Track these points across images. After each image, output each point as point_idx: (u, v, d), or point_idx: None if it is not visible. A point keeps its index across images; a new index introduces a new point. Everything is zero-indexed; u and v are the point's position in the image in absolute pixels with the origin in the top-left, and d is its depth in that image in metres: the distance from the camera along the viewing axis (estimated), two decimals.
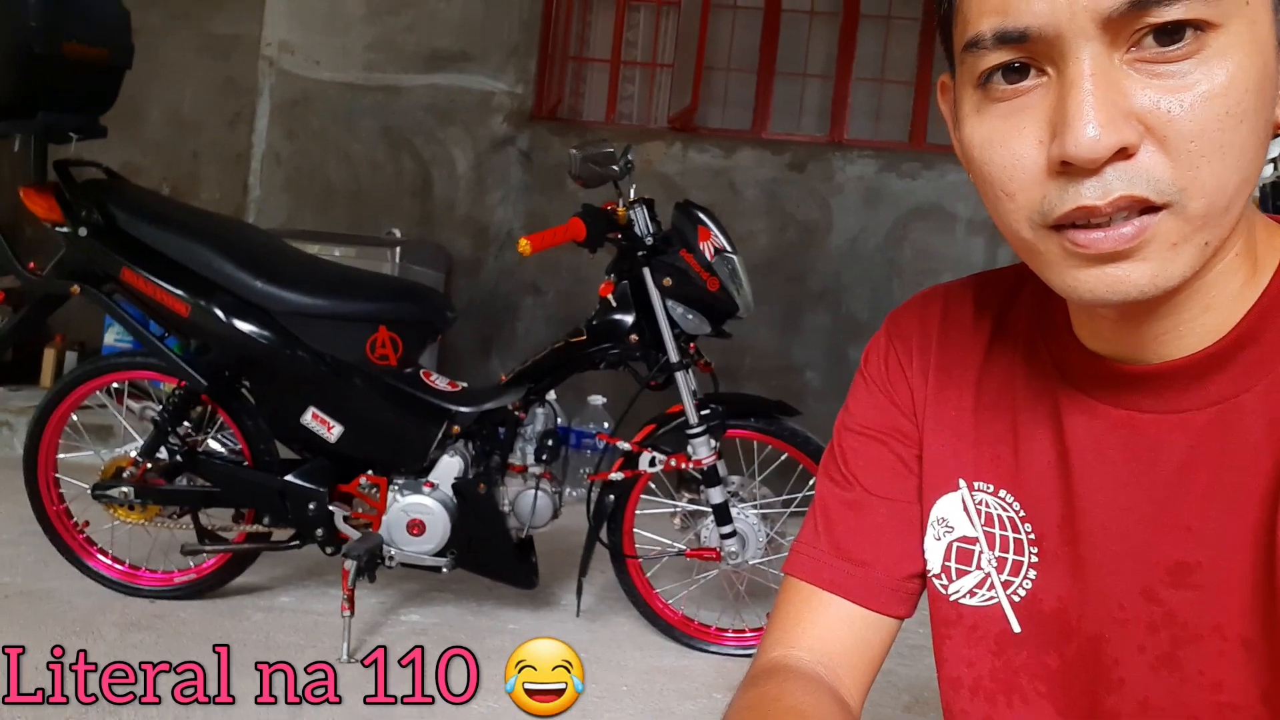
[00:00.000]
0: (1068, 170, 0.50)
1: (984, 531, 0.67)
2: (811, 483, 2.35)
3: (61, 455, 2.40)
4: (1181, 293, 0.54)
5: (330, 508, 2.28)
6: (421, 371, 2.38)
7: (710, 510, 2.29)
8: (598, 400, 2.71)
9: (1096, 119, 0.48)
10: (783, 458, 2.37)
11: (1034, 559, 0.65)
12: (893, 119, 4.50)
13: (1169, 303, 0.55)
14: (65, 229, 2.21)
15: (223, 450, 2.42)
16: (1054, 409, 0.64)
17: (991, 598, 0.67)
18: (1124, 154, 0.48)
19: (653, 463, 2.30)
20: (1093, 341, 0.62)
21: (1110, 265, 0.51)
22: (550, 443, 2.34)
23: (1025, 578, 0.65)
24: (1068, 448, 0.63)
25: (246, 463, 2.34)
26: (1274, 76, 0.51)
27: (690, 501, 2.40)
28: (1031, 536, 0.65)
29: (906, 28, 4.49)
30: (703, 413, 2.26)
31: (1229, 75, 0.48)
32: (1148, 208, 0.49)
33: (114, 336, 4.42)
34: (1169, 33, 0.48)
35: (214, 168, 4.66)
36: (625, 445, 2.31)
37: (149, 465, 2.30)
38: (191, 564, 2.40)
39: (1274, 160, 4.02)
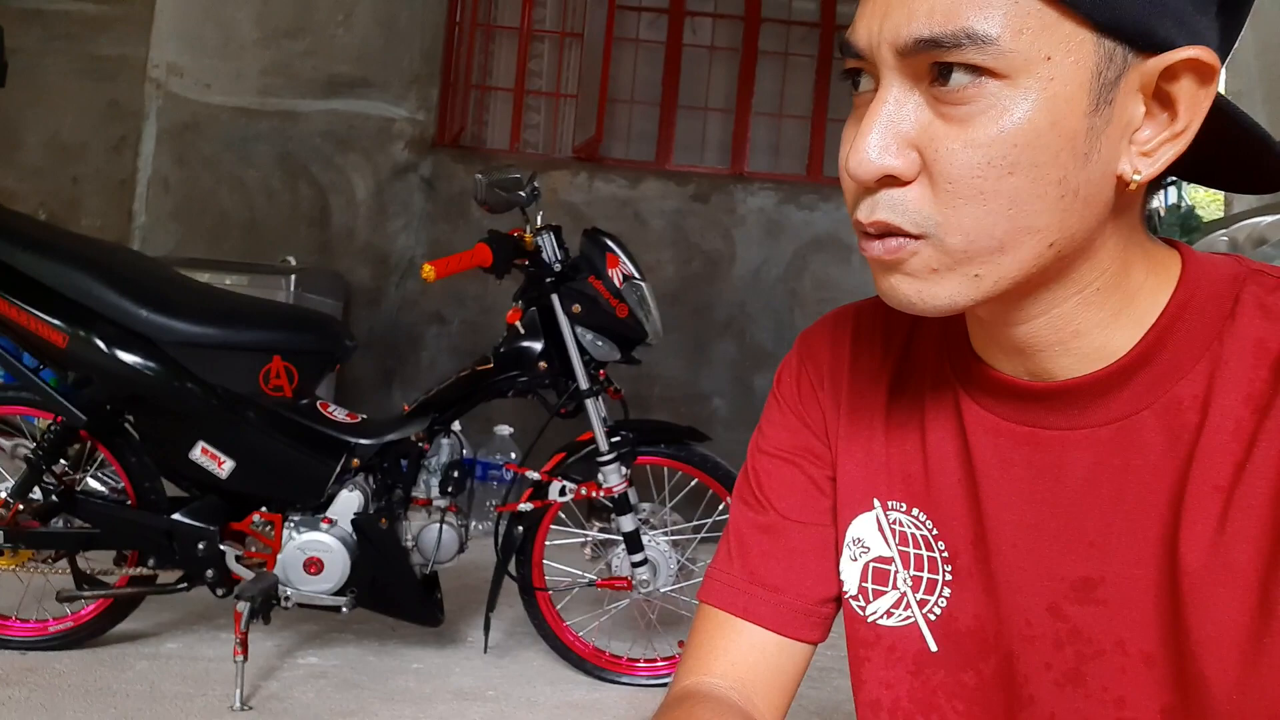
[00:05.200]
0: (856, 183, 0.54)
1: (899, 551, 0.67)
2: (722, 508, 2.36)
3: None
4: (1035, 313, 0.57)
5: (221, 547, 2.17)
6: (318, 403, 2.29)
7: (621, 539, 2.26)
8: (505, 430, 2.67)
9: (875, 142, 0.51)
10: (693, 483, 2.36)
11: (948, 577, 0.65)
12: (791, 153, 4.62)
13: (1029, 321, 0.58)
14: None
15: (103, 489, 2.27)
16: (960, 426, 0.65)
17: (908, 617, 0.67)
18: (896, 181, 0.52)
19: (563, 492, 2.26)
20: (985, 355, 0.63)
21: (889, 275, 0.55)
22: (456, 474, 2.28)
23: (941, 596, 0.65)
24: (974, 465, 0.63)
25: (130, 501, 2.20)
26: (1077, 136, 0.50)
27: (601, 530, 2.37)
28: (945, 554, 0.65)
29: (803, 64, 4.62)
30: (613, 440, 2.23)
31: (999, 128, 0.49)
32: (905, 234, 0.53)
33: None
34: (949, 74, 0.50)
35: (96, 194, 4.44)
36: (534, 475, 2.27)
37: (21, 506, 2.14)
38: (68, 611, 2.23)
39: (1165, 186, 4.29)
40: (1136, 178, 0.52)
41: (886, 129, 0.51)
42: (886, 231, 0.53)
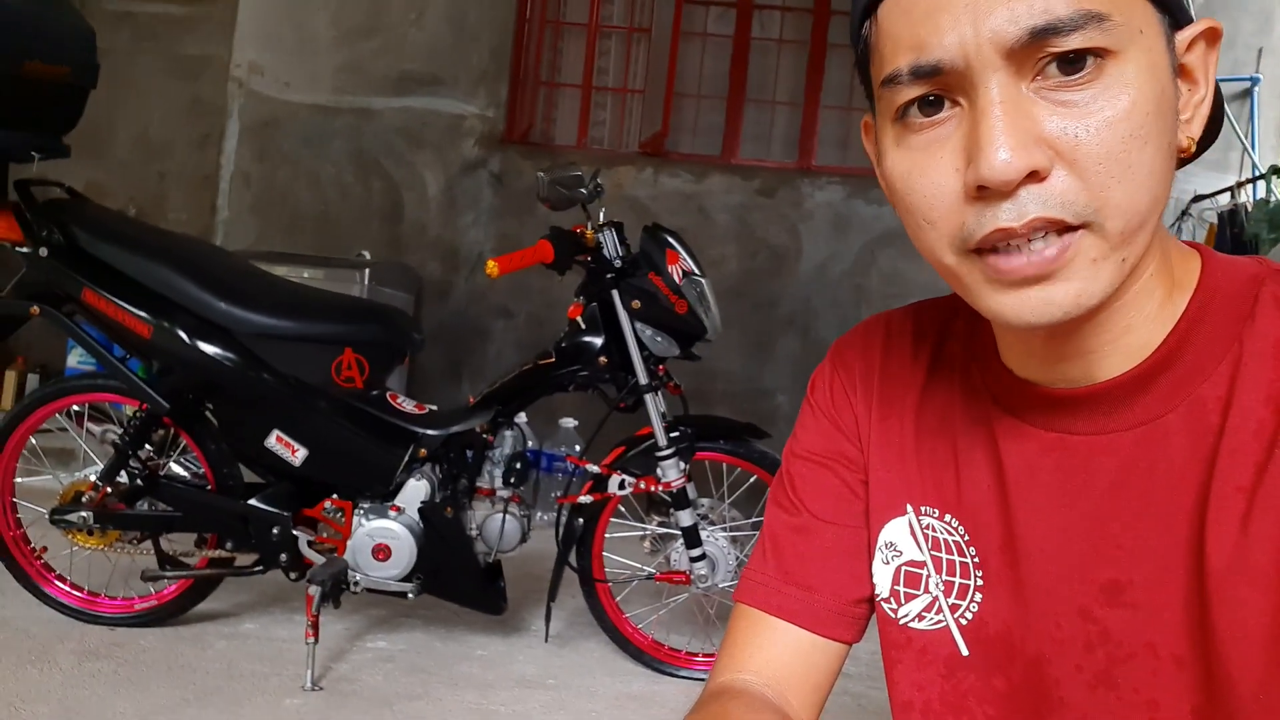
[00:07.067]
0: (984, 195, 0.51)
1: (931, 556, 0.68)
2: None
3: (19, 479, 2.35)
4: (1102, 312, 0.56)
5: (294, 532, 2.25)
6: (388, 394, 2.36)
7: (680, 533, 2.28)
8: (569, 423, 2.70)
9: (1007, 143, 0.49)
10: (752, 480, 2.37)
11: (979, 582, 0.66)
12: (860, 146, 4.55)
13: (1091, 322, 0.57)
14: (25, 249, 2.17)
15: (185, 474, 2.38)
16: (989, 433, 0.65)
17: (940, 621, 0.68)
18: (1036, 177, 0.50)
19: (622, 485, 2.29)
20: (1019, 367, 0.64)
21: (1033, 288, 0.52)
22: (519, 466, 2.33)
23: (972, 601, 0.66)
24: (1004, 471, 0.64)
25: (209, 486, 2.30)
26: (1173, 101, 0.53)
27: (660, 524, 2.39)
28: (976, 560, 0.66)
29: None
30: (672, 435, 2.25)
31: (1130, 100, 0.50)
32: (1065, 228, 0.51)
33: (77, 359, 4.35)
34: (1070, 61, 0.50)
35: (181, 189, 4.62)
36: (594, 468, 2.30)
37: (109, 489, 2.25)
38: (152, 590, 2.34)
39: (1230, 189, 4.12)
40: (1185, 144, 0.55)
41: (1013, 126, 0.50)
42: (1043, 229, 0.50)
